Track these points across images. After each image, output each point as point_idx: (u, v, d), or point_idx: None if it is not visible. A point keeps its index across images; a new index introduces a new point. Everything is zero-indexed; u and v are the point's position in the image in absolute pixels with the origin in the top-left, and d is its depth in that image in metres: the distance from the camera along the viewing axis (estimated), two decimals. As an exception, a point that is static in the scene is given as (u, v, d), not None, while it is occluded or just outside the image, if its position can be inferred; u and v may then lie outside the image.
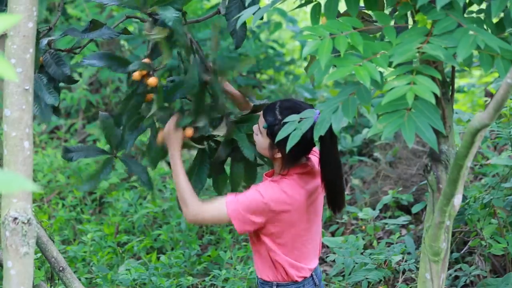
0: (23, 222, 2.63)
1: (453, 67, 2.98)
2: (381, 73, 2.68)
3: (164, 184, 6.14)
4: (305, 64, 7.99)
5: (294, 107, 3.21)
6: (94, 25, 3.42)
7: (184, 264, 5.10)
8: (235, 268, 4.93)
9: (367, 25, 2.86)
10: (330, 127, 2.74)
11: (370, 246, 5.16)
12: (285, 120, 2.92)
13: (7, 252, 2.64)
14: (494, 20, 2.80)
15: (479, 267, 4.61)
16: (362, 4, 2.93)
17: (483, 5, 2.82)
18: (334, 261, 4.83)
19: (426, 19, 2.72)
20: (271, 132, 3.21)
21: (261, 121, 3.26)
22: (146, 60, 3.36)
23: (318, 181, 3.29)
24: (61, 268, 3.72)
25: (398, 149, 6.34)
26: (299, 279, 3.31)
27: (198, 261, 5.19)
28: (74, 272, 4.72)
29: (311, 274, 3.35)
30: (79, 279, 4.39)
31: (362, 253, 4.76)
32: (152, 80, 3.32)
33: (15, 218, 2.62)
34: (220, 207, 3.21)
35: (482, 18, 2.80)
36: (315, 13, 2.93)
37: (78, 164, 6.49)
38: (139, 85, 3.36)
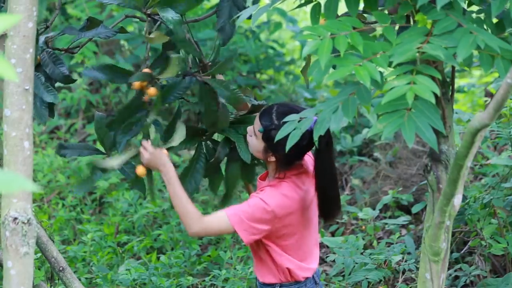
0: (23, 222, 2.63)
1: (453, 67, 2.98)
2: (381, 73, 2.68)
3: (164, 184, 6.13)
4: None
5: (290, 112, 3.19)
6: (92, 23, 3.41)
7: (184, 264, 5.10)
8: (235, 268, 4.93)
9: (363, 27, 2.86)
10: (327, 133, 2.74)
11: (370, 246, 5.16)
12: (284, 120, 2.92)
13: (7, 252, 2.64)
14: (494, 20, 2.80)
15: (479, 267, 4.61)
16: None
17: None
18: (334, 261, 4.83)
19: (426, 19, 2.72)
20: (267, 136, 3.21)
21: (257, 124, 3.26)
22: (147, 70, 3.35)
23: (313, 180, 3.29)
24: (61, 268, 3.72)
25: (398, 149, 6.34)
26: (301, 279, 3.32)
27: (198, 261, 5.19)
28: (74, 272, 4.72)
29: (312, 274, 3.36)
30: (79, 279, 4.39)
31: (362, 253, 4.76)
32: (152, 91, 3.31)
33: (15, 218, 2.63)
34: (223, 219, 3.19)
35: (482, 18, 2.80)
36: (315, 13, 2.93)
37: (78, 164, 6.49)
38: (138, 95, 3.36)
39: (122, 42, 7.90)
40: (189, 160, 3.51)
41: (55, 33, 3.46)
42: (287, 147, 2.86)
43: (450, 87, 2.97)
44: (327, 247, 5.32)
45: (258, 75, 7.92)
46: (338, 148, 6.48)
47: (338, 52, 2.69)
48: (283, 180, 3.25)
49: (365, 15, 3.22)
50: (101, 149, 3.56)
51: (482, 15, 2.82)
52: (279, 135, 2.90)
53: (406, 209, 5.64)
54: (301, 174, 3.28)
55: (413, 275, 4.80)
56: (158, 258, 5.13)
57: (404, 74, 2.65)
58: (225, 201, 3.51)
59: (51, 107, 3.38)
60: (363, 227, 5.32)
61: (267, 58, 7.82)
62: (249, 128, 3.32)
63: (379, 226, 5.32)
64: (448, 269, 4.53)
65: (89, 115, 7.67)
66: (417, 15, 2.74)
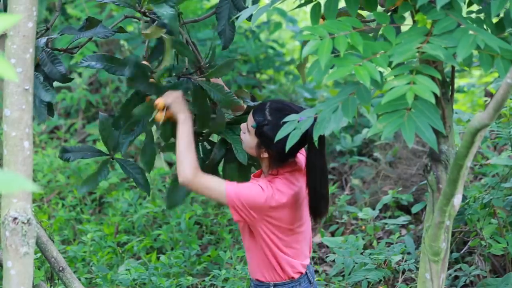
0: (23, 222, 2.63)
1: (453, 67, 2.98)
2: (381, 73, 2.68)
3: (164, 184, 6.14)
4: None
5: (284, 108, 3.24)
6: (91, 23, 3.41)
7: (184, 264, 5.10)
8: (235, 268, 4.93)
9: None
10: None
11: (370, 246, 5.16)
12: (284, 120, 2.92)
13: (7, 252, 2.64)
14: (494, 20, 2.80)
15: (479, 267, 4.61)
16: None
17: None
18: (334, 261, 4.83)
19: (426, 19, 2.72)
20: (260, 132, 3.24)
21: (250, 120, 3.28)
22: (145, 62, 3.36)
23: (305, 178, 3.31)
24: (61, 268, 3.72)
25: (398, 149, 6.34)
26: (295, 276, 3.33)
27: (198, 261, 5.19)
28: (74, 272, 4.72)
29: (306, 271, 3.36)
30: (79, 279, 4.39)
31: (362, 253, 4.76)
32: (159, 102, 3.30)
33: (15, 218, 2.63)
34: (220, 188, 3.21)
35: (482, 18, 2.80)
36: (315, 13, 2.93)
37: (78, 164, 6.49)
38: (137, 90, 3.36)
39: (121, 42, 7.90)
40: None
41: (56, 35, 3.46)
42: (287, 147, 2.87)
43: (450, 87, 2.97)
44: (327, 247, 5.32)
45: (258, 75, 7.92)
46: (338, 148, 6.48)
47: (338, 52, 2.69)
48: (276, 177, 3.27)
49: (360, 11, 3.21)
50: (104, 150, 3.56)
51: (482, 15, 2.82)
52: (279, 135, 2.90)
53: (406, 209, 5.64)
54: (294, 172, 3.30)
55: (413, 275, 4.80)
56: (158, 258, 5.13)
57: (404, 74, 2.65)
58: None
59: (50, 106, 3.38)
60: (363, 227, 5.32)
61: (267, 58, 7.82)
62: (243, 125, 3.34)
63: (379, 226, 5.32)
64: (448, 269, 4.54)
65: (89, 115, 7.67)
66: (417, 15, 2.74)
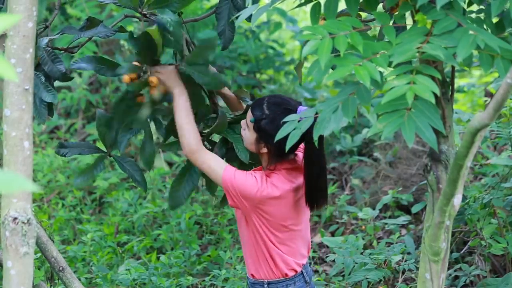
0: (23, 222, 2.63)
1: (453, 67, 2.98)
2: (381, 73, 2.68)
3: (164, 184, 6.14)
4: (305, 64, 7.98)
5: (282, 103, 3.26)
6: (91, 23, 3.41)
7: (184, 264, 5.10)
8: (235, 268, 4.93)
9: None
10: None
11: (370, 246, 5.16)
12: (284, 120, 2.93)
13: (7, 252, 2.64)
14: (494, 20, 2.80)
15: (479, 267, 4.61)
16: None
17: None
18: (334, 261, 4.83)
19: (426, 19, 2.72)
20: (258, 126, 3.26)
21: (249, 115, 3.30)
22: (136, 63, 3.34)
23: None
24: (61, 268, 3.72)
25: (398, 149, 6.34)
26: (290, 273, 3.33)
27: (198, 261, 5.19)
28: (74, 272, 4.72)
29: (302, 271, 3.36)
30: (79, 279, 4.39)
31: (362, 253, 4.76)
32: (153, 79, 3.29)
33: (15, 218, 2.62)
34: (218, 170, 3.25)
35: (482, 18, 2.80)
36: (315, 13, 2.93)
37: (78, 164, 6.49)
38: (129, 87, 3.35)
39: (122, 42, 7.90)
40: (186, 160, 3.51)
41: (56, 35, 3.45)
42: (287, 147, 2.88)
43: (450, 87, 2.97)
44: (327, 247, 5.32)
45: (258, 75, 7.93)
46: (338, 148, 6.48)
47: (338, 52, 2.69)
48: (274, 172, 3.28)
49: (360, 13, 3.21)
50: (102, 147, 3.56)
51: (482, 15, 2.82)
52: (278, 135, 2.90)
53: (406, 209, 5.64)
54: (292, 170, 3.31)
55: (413, 275, 4.80)
56: (158, 258, 5.13)
57: (404, 74, 2.65)
58: (224, 201, 3.51)
59: (50, 106, 3.38)
60: (363, 227, 5.32)
61: (267, 58, 7.83)
62: (243, 122, 3.36)
63: (379, 226, 5.32)
64: (448, 269, 4.54)
65: (89, 115, 7.67)
66: (417, 15, 2.74)
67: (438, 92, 2.58)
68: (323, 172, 3.31)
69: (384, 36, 2.78)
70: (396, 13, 2.87)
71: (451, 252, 4.79)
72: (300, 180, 3.31)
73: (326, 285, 4.83)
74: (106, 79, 7.65)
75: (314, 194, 3.30)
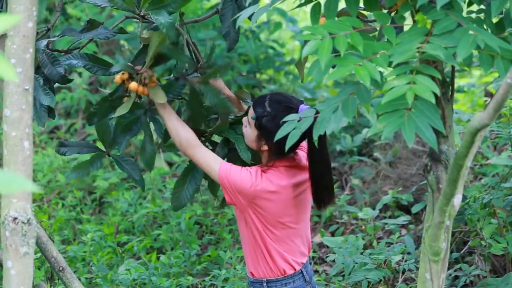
0: (23, 222, 2.63)
1: (453, 67, 2.98)
2: (381, 72, 2.68)
3: (164, 184, 6.14)
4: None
5: (284, 100, 3.27)
6: (92, 25, 3.41)
7: (184, 264, 5.10)
8: (235, 268, 4.93)
9: (364, 25, 2.86)
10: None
11: (370, 246, 5.16)
12: (284, 120, 2.93)
13: (7, 252, 2.64)
14: (494, 20, 2.80)
15: (479, 267, 4.61)
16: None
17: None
18: (334, 261, 4.83)
19: (426, 19, 2.72)
20: (259, 123, 3.27)
21: (251, 112, 3.31)
22: (130, 64, 3.35)
23: (305, 175, 3.32)
24: (61, 268, 3.72)
25: (398, 149, 6.33)
26: (289, 271, 3.33)
27: (198, 261, 5.19)
28: (74, 272, 4.72)
29: (301, 269, 3.36)
30: (79, 279, 4.39)
31: (362, 253, 4.76)
32: (133, 85, 3.31)
33: (15, 218, 2.63)
34: (214, 166, 3.27)
35: (482, 18, 2.80)
36: (315, 13, 2.93)
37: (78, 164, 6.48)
38: (118, 88, 3.37)
39: (122, 42, 7.89)
40: (189, 161, 3.51)
41: (57, 37, 3.46)
42: (286, 147, 2.88)
43: (450, 87, 2.97)
44: (327, 247, 5.32)
45: (258, 75, 7.92)
46: (338, 148, 6.48)
47: (338, 52, 2.69)
48: (271, 168, 3.29)
49: (364, 12, 3.22)
50: (101, 147, 3.56)
51: (482, 15, 2.82)
52: (278, 135, 2.91)
53: (406, 209, 5.64)
54: (292, 168, 3.31)
55: (413, 275, 4.80)
56: (158, 258, 5.13)
57: (404, 74, 2.65)
58: (225, 202, 3.51)
59: (50, 108, 3.39)
60: (363, 227, 5.32)
61: (267, 58, 7.83)
62: (244, 119, 3.37)
63: (379, 226, 5.31)
64: (448, 269, 4.53)
65: (89, 115, 7.66)
66: (417, 15, 2.74)
67: (438, 92, 2.58)
68: (328, 171, 3.32)
69: (384, 36, 2.78)
70: (394, 13, 2.87)
71: (451, 252, 4.79)
72: (299, 178, 3.31)
73: (326, 285, 4.83)
74: (106, 79, 7.65)
75: (320, 193, 3.31)
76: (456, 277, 4.72)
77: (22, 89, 2.68)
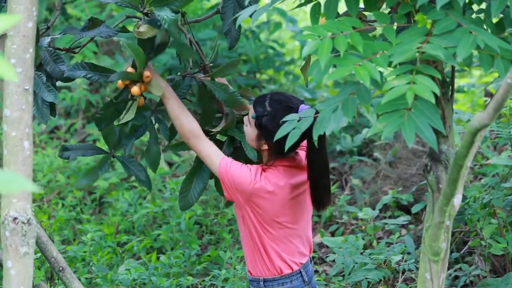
0: (23, 222, 2.63)
1: (453, 67, 2.98)
2: (381, 72, 2.68)
3: (164, 184, 6.14)
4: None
5: (284, 100, 3.28)
6: (93, 23, 3.41)
7: (184, 264, 5.10)
8: (235, 268, 4.93)
9: (364, 25, 2.86)
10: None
11: (370, 246, 5.16)
12: (284, 119, 2.93)
13: (7, 252, 2.64)
14: (494, 20, 2.80)
15: (479, 267, 4.61)
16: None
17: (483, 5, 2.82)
18: (334, 261, 4.83)
19: (426, 19, 2.72)
20: (259, 123, 3.27)
21: (251, 111, 3.32)
22: (130, 69, 3.35)
23: (305, 176, 3.32)
24: (61, 268, 3.72)
25: (398, 149, 6.33)
26: (286, 271, 3.33)
27: (198, 261, 5.19)
28: (74, 272, 4.72)
29: (300, 270, 3.36)
30: (79, 279, 4.39)
31: (362, 253, 4.76)
32: (134, 90, 3.31)
33: (15, 218, 2.62)
34: (215, 160, 3.28)
35: (482, 18, 2.80)
36: (315, 13, 2.93)
37: (78, 164, 6.49)
38: (122, 93, 3.38)
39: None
40: (195, 160, 3.52)
41: (59, 35, 3.45)
42: (286, 147, 2.88)
43: (450, 87, 2.97)
44: (327, 247, 5.32)
45: (258, 75, 7.93)
46: (338, 148, 6.48)
47: (338, 52, 2.69)
48: (270, 167, 3.30)
49: (364, 13, 3.22)
50: (104, 148, 3.57)
51: (482, 15, 2.82)
52: (278, 135, 2.91)
53: (406, 209, 5.64)
54: (291, 168, 3.31)
55: (413, 275, 4.80)
56: (158, 258, 5.13)
57: (404, 74, 2.65)
58: (231, 201, 3.52)
59: (52, 106, 3.39)
60: (363, 227, 5.32)
61: (267, 58, 7.83)
62: (245, 118, 3.38)
63: (379, 226, 5.31)
64: (448, 269, 4.53)
65: (89, 115, 7.67)
66: (417, 15, 2.74)
67: (438, 92, 2.58)
68: (326, 172, 3.32)
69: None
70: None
71: (451, 252, 4.79)
72: (298, 179, 3.31)
73: (326, 285, 4.83)
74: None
75: (318, 193, 3.31)
76: (456, 277, 4.72)
77: (22, 89, 2.68)
